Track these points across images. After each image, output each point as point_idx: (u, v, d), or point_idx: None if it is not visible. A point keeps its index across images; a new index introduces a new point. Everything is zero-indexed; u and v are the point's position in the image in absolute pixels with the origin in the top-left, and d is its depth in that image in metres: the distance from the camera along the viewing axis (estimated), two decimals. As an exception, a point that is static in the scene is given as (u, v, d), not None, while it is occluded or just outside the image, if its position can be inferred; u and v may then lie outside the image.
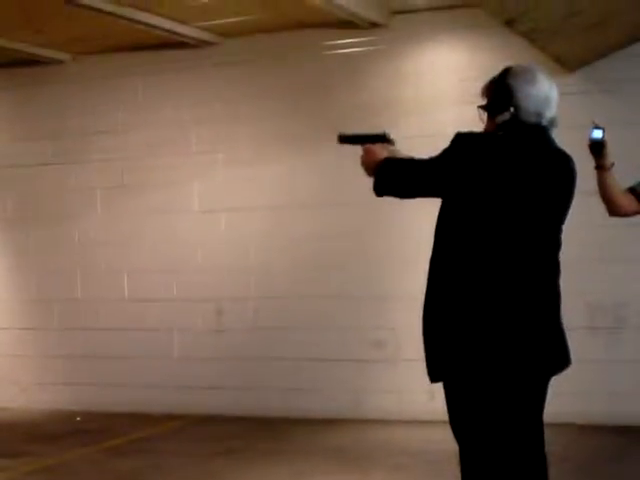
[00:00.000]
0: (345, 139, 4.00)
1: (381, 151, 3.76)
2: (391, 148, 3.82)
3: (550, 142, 3.67)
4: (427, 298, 3.65)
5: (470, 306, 3.52)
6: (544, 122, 3.65)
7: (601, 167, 4.47)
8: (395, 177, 3.66)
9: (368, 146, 3.80)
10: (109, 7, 8.13)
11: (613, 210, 4.57)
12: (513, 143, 3.57)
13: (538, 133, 3.64)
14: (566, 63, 8.04)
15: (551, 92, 3.66)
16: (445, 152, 3.56)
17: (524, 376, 3.56)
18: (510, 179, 3.50)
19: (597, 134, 4.38)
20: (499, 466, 3.59)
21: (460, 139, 3.56)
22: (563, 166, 3.68)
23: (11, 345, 10.37)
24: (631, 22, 7.60)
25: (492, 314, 3.50)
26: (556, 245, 3.69)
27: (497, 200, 3.51)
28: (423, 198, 3.67)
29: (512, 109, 3.59)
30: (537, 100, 3.62)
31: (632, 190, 4.57)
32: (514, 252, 3.54)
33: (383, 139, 3.85)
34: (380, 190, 3.67)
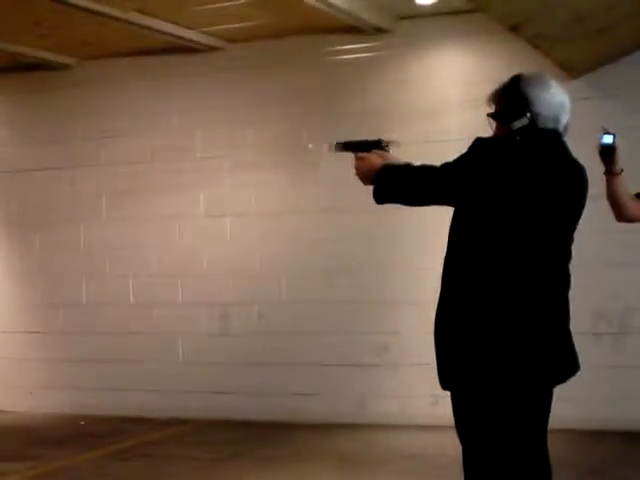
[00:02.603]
0: (341, 147, 3.90)
1: (376, 158, 3.68)
2: (386, 155, 3.73)
3: (566, 151, 3.66)
4: (439, 306, 3.63)
5: (481, 316, 3.49)
6: (560, 128, 3.64)
7: (610, 172, 4.47)
8: (402, 184, 3.57)
9: (362, 154, 3.72)
10: (115, 12, 8.15)
11: (621, 215, 4.57)
12: (532, 150, 3.54)
13: (555, 140, 3.62)
14: (570, 69, 8.04)
15: (564, 98, 3.66)
16: (464, 158, 3.49)
17: (533, 387, 3.56)
18: (529, 189, 3.47)
19: (607, 139, 4.39)
20: (504, 473, 3.59)
21: (480, 145, 3.51)
22: (577, 177, 3.66)
23: (16, 349, 10.37)
24: (636, 28, 7.60)
25: (502, 324, 3.48)
26: (567, 256, 3.68)
27: (515, 209, 3.47)
28: (432, 205, 3.60)
29: (529, 115, 3.56)
30: (553, 106, 3.60)
31: (640, 196, 4.58)
32: (527, 263, 3.51)
33: (378, 146, 3.76)
34: (382, 198, 3.60)
